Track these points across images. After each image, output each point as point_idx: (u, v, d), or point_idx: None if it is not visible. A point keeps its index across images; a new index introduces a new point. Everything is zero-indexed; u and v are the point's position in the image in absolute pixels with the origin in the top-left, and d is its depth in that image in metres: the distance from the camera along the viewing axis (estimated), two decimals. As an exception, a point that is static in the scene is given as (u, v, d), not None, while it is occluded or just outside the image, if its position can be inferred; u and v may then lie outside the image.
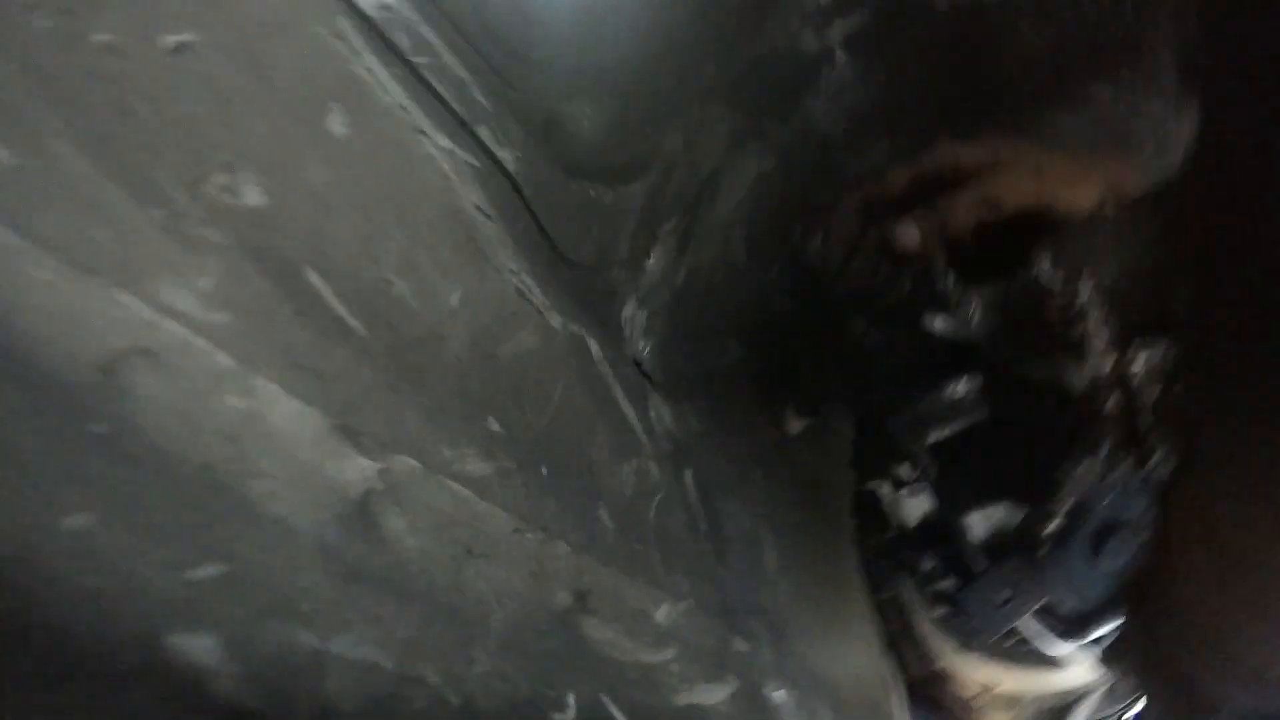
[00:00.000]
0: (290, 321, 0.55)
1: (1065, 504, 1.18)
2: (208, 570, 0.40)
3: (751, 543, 1.29)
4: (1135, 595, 1.12)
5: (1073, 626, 1.53)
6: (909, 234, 1.41)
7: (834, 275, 1.56)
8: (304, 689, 0.40)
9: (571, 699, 0.57)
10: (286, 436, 0.50)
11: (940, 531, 1.72)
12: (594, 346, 0.91)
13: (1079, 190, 1.36)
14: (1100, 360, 1.08)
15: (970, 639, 2.46)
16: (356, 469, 0.53)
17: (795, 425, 1.79)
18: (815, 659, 1.50)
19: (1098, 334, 1.06)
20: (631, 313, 1.33)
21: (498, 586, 0.59)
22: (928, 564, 2.06)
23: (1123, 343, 1.05)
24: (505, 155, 0.97)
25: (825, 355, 1.82)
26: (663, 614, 0.70)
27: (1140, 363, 1.04)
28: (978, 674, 2.69)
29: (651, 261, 1.39)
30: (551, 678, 0.57)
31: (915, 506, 1.72)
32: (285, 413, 0.50)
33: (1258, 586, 0.78)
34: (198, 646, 0.37)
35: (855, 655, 1.97)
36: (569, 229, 1.13)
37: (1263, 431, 0.72)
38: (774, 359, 1.73)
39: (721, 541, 1.11)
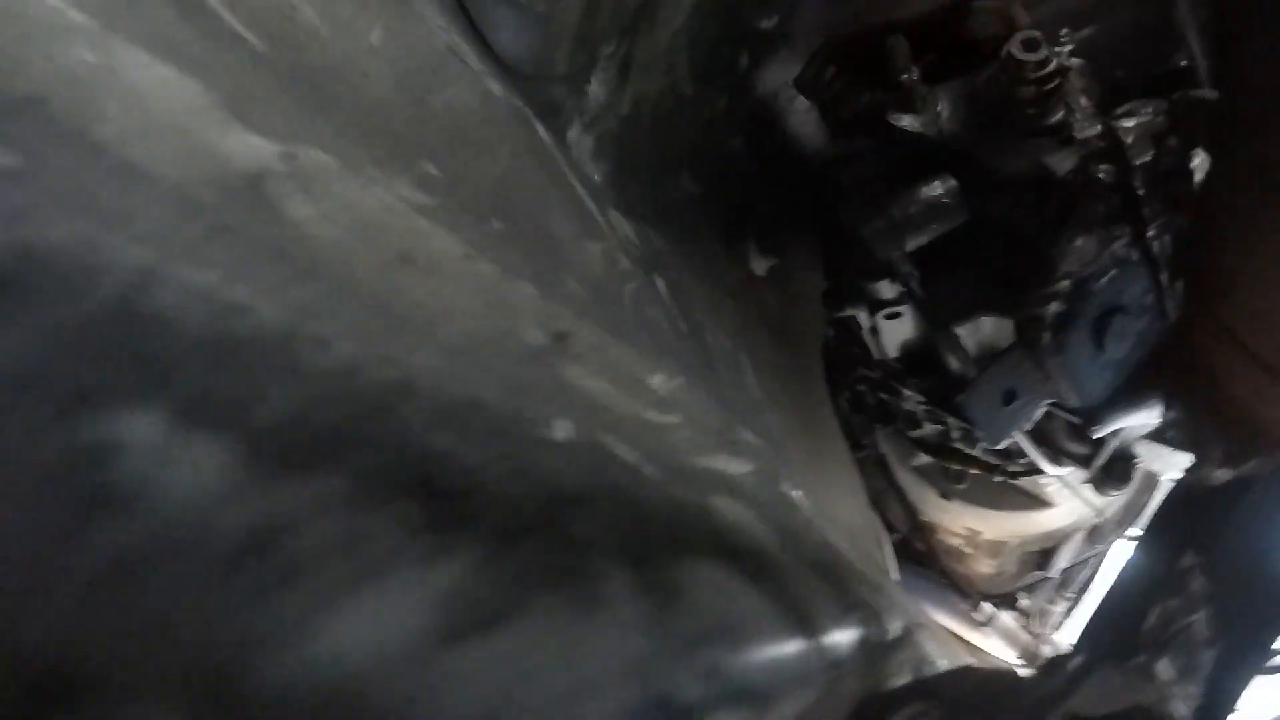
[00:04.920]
0: (169, 15, 0.44)
1: (1063, 284, 1.10)
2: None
3: (735, 362, 1.20)
4: (1173, 352, 1.06)
5: (1079, 426, 1.46)
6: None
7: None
8: (106, 289, 0.29)
9: (562, 425, 0.46)
10: (151, 96, 0.39)
11: (925, 357, 1.65)
12: (540, 129, 0.80)
13: None
14: (1087, 131, 1.00)
15: (955, 483, 2.43)
16: (248, 145, 0.42)
17: (760, 266, 1.71)
18: (816, 497, 1.43)
19: (1080, 104, 0.98)
20: (578, 136, 1.23)
21: (446, 302, 0.48)
22: (908, 405, 2.00)
23: (1109, 109, 0.97)
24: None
25: (783, 190, 1.74)
26: (659, 382, 0.61)
27: (1130, 127, 0.95)
28: (961, 522, 2.67)
29: (593, 86, 1.29)
30: (529, 400, 0.46)
31: (896, 330, 1.63)
32: (152, 77, 0.39)
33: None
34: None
35: (846, 506, 1.92)
36: (501, 31, 1.03)
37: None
38: (731, 196, 1.65)
39: (705, 348, 1.02)
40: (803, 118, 1.58)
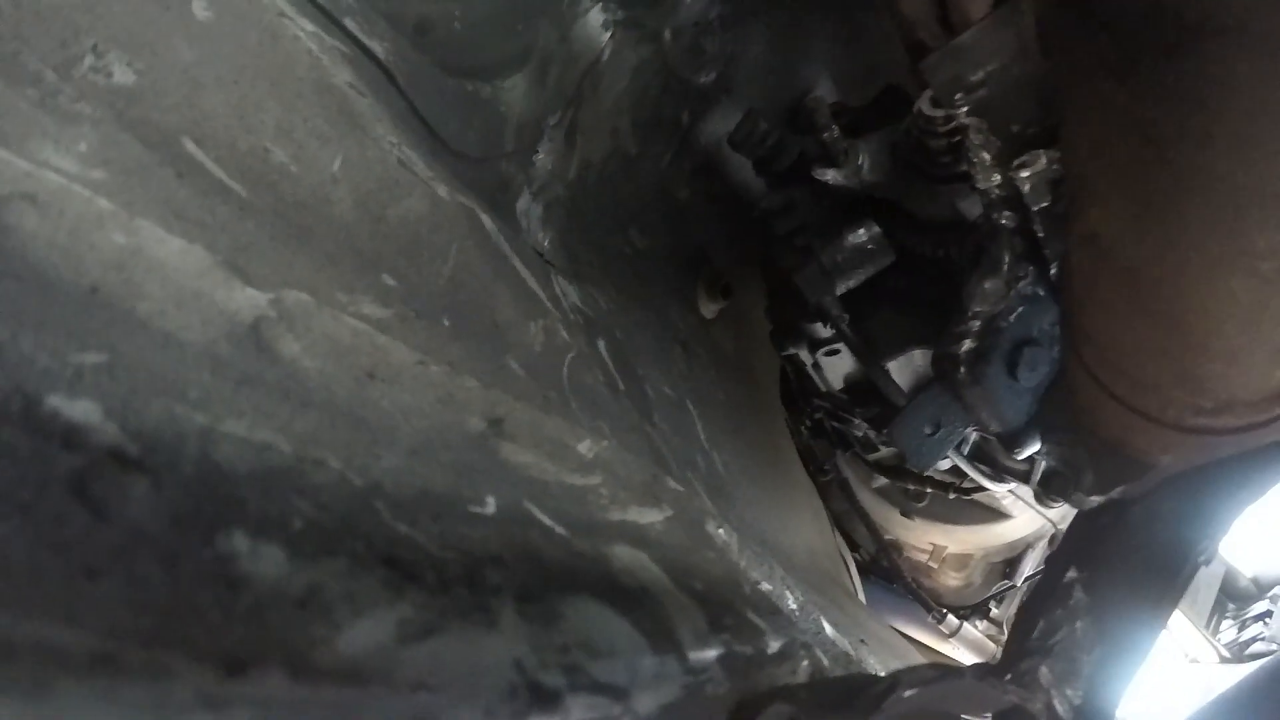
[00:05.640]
0: (170, 181, 0.56)
1: (974, 324, 1.20)
2: (91, 356, 0.41)
3: (679, 409, 1.30)
4: (1052, 387, 1.15)
5: (1005, 453, 1.57)
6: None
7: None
8: (190, 451, 0.42)
9: (492, 500, 0.58)
10: (172, 268, 0.51)
11: (865, 389, 1.75)
12: (486, 220, 0.91)
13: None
14: (989, 182, 1.10)
15: (915, 501, 2.53)
16: (246, 298, 0.54)
17: (710, 309, 1.80)
18: (762, 526, 1.53)
19: (979, 159, 1.08)
20: (526, 205, 1.32)
21: (404, 407, 0.60)
22: (860, 431, 2.08)
23: (1007, 160, 1.07)
24: (375, 46, 0.96)
25: (730, 235, 1.84)
26: (585, 447, 0.72)
27: (1026, 177, 1.05)
28: (924, 538, 2.76)
29: (541, 156, 1.38)
30: (468, 482, 0.58)
31: (836, 366, 1.74)
32: (170, 249, 0.51)
33: (1155, 296, 0.80)
34: (78, 409, 0.39)
35: (804, 529, 2.00)
36: (450, 121, 1.12)
37: (1137, 140, 0.73)
38: (680, 245, 1.74)
39: (644, 403, 1.13)
40: (744, 165, 1.67)
